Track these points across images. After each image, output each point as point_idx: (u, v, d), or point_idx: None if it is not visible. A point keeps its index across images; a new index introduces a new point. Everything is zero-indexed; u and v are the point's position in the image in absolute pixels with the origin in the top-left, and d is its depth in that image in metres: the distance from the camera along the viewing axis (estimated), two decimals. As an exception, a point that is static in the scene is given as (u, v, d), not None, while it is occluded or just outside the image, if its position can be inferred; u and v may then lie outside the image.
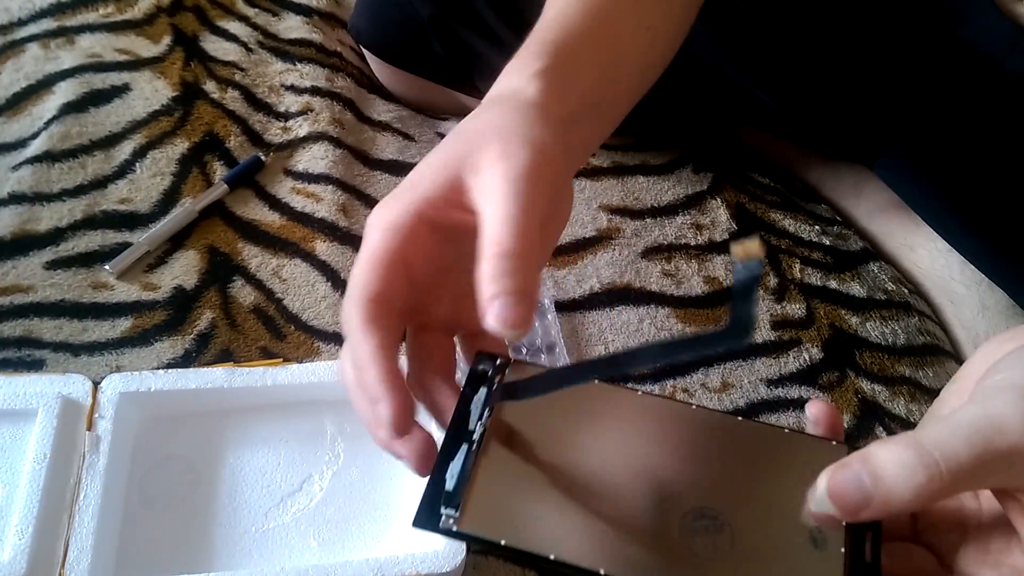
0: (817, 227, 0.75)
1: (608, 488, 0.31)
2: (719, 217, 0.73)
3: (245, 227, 0.65)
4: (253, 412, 0.52)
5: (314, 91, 0.75)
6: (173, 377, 0.50)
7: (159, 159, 0.68)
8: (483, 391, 0.33)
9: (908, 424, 0.63)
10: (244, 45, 0.79)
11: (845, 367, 0.64)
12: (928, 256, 0.72)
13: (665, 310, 0.65)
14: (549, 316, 0.63)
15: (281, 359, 0.55)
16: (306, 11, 0.83)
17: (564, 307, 0.65)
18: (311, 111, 0.73)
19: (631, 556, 0.29)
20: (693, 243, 0.71)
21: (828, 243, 0.74)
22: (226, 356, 0.57)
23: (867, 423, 0.62)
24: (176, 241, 0.63)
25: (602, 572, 0.28)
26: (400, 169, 0.72)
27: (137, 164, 0.68)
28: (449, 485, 0.30)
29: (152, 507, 0.49)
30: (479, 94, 0.76)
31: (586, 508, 0.30)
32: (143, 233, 0.63)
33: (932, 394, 0.66)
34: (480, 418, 0.32)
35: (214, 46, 0.78)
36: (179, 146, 0.69)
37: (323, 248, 0.64)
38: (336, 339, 0.60)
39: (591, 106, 0.41)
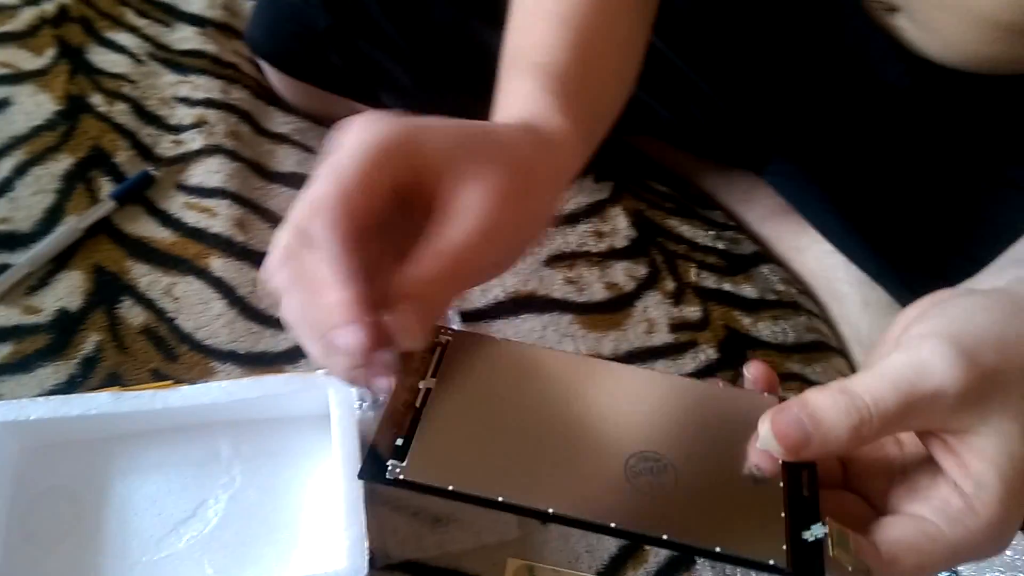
0: (712, 232, 0.77)
1: (552, 437, 0.32)
2: (619, 224, 0.75)
3: (134, 245, 0.63)
4: (142, 437, 0.50)
5: (208, 103, 0.73)
6: (54, 404, 0.48)
7: (41, 176, 0.65)
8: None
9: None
10: (133, 56, 0.76)
11: (739, 366, 0.66)
12: (814, 258, 0.75)
13: (568, 316, 0.66)
14: (454, 326, 0.63)
15: (172, 381, 0.53)
16: (199, 21, 0.81)
17: (470, 316, 0.65)
18: (205, 124, 0.71)
19: (578, 496, 0.30)
20: (594, 250, 0.72)
21: (722, 247, 0.76)
22: (114, 380, 0.55)
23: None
24: (60, 261, 0.61)
25: (550, 511, 0.29)
26: (300, 182, 0.71)
27: (17, 182, 0.65)
28: (395, 440, 0.31)
29: (35, 542, 0.47)
30: (380, 105, 0.76)
31: (532, 455, 0.31)
32: (24, 254, 0.60)
33: (822, 390, 0.69)
34: (423, 377, 0.33)
35: (101, 58, 0.75)
36: (63, 162, 0.66)
37: (218, 265, 0.63)
38: (233, 358, 0.58)
39: (591, 133, 0.43)
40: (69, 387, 0.54)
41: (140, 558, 0.47)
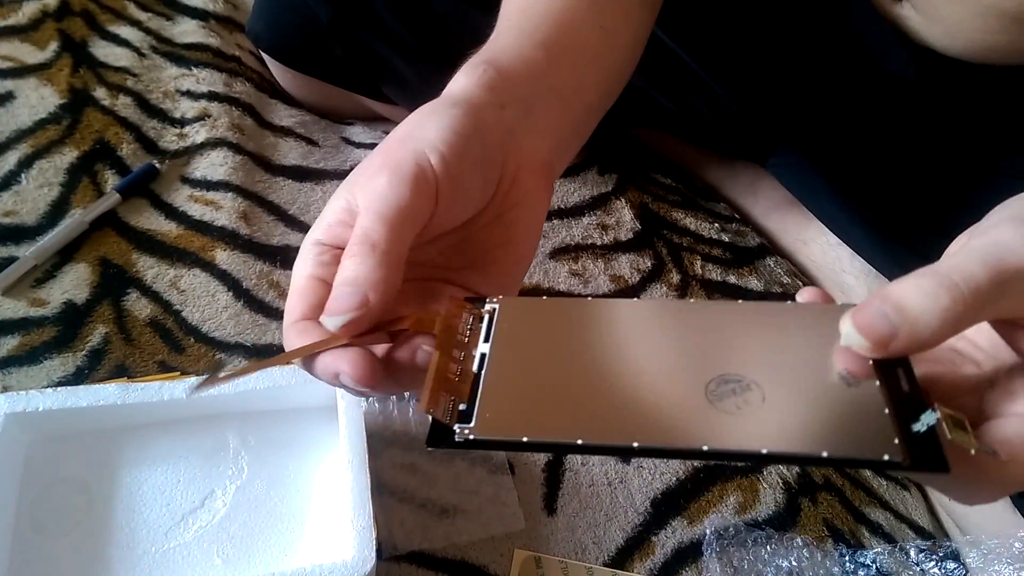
0: (717, 225, 0.77)
1: (620, 378, 0.29)
2: (623, 217, 0.75)
3: (140, 237, 0.63)
4: (150, 429, 0.50)
5: (211, 96, 0.73)
6: (63, 396, 0.48)
7: (46, 169, 0.65)
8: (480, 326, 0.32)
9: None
10: (136, 50, 0.76)
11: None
12: (820, 250, 0.75)
13: (572, 309, 0.66)
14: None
15: (179, 372, 0.53)
16: (202, 15, 0.81)
17: (473, 310, 0.65)
18: (208, 117, 0.71)
19: (660, 427, 0.27)
20: (599, 243, 0.72)
21: (727, 240, 0.76)
22: (121, 372, 0.55)
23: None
24: (65, 254, 0.61)
25: (635, 445, 0.27)
26: (303, 175, 0.71)
27: (23, 175, 0.64)
28: (456, 406, 0.29)
29: (44, 533, 0.47)
30: (382, 97, 0.76)
31: (604, 397, 0.29)
32: (30, 247, 0.60)
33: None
34: (476, 345, 0.32)
35: (104, 51, 0.75)
36: (68, 155, 0.66)
37: (223, 257, 0.63)
38: (239, 350, 0.58)
39: (546, 90, 0.42)
40: (77, 379, 0.54)
41: (149, 548, 0.47)
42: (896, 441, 0.26)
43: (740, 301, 0.33)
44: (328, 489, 0.50)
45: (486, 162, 0.36)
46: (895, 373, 0.28)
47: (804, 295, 0.33)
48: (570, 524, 0.55)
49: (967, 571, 0.57)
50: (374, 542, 0.45)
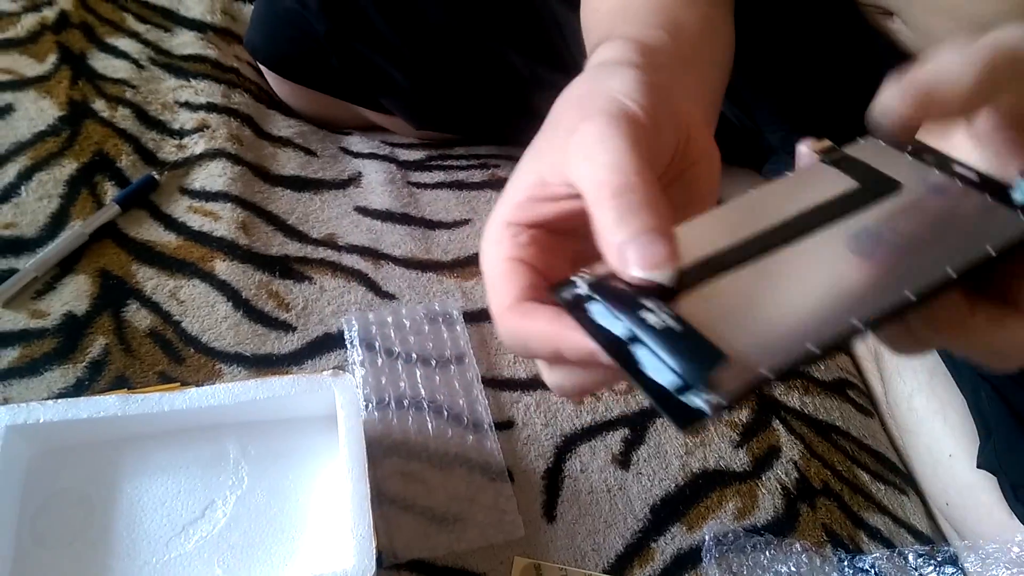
0: (714, 231, 0.77)
1: (784, 281, 0.28)
2: (620, 224, 0.75)
3: (139, 248, 0.63)
4: (150, 440, 0.51)
5: (210, 107, 0.73)
6: (63, 407, 0.48)
7: (46, 181, 0.66)
8: (614, 303, 0.27)
9: (803, 416, 0.66)
10: (135, 62, 0.77)
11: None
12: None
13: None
14: (458, 327, 0.64)
15: (179, 383, 0.54)
16: (200, 27, 0.82)
17: (473, 317, 0.65)
18: (207, 128, 0.72)
19: (848, 300, 0.27)
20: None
21: (724, 246, 0.76)
22: (121, 383, 0.55)
23: (764, 416, 0.64)
24: (65, 266, 0.61)
25: (855, 322, 0.26)
26: (302, 185, 0.71)
27: (23, 187, 0.65)
28: (680, 375, 0.24)
29: (45, 545, 0.47)
30: (380, 108, 0.76)
31: (814, 294, 0.27)
32: (30, 259, 0.60)
33: (824, 386, 0.69)
34: (650, 312, 0.26)
35: (103, 64, 0.76)
36: (67, 167, 0.67)
37: (223, 267, 0.63)
38: (239, 360, 0.58)
39: (681, 61, 0.40)
40: (77, 390, 0.55)
41: (149, 559, 0.47)
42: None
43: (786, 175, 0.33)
44: (328, 498, 0.51)
45: (672, 115, 0.33)
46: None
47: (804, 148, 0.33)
48: (569, 531, 0.55)
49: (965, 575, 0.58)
50: (374, 551, 0.45)
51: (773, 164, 0.78)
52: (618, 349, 0.26)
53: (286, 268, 0.64)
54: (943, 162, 0.32)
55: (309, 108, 0.78)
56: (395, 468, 0.55)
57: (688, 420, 0.24)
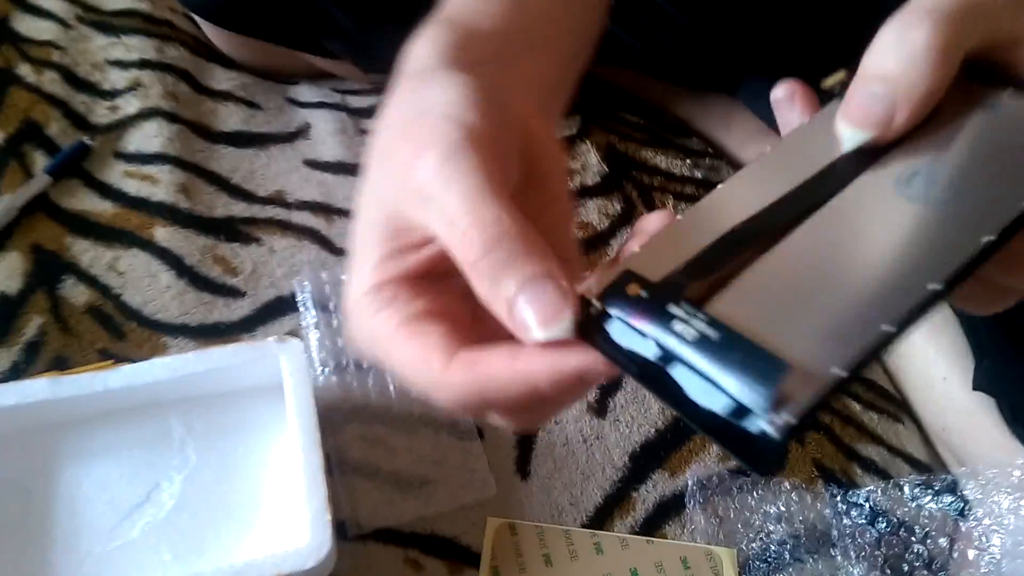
0: (689, 161, 0.73)
1: (878, 227, 0.24)
2: (589, 160, 0.71)
3: (73, 220, 0.59)
4: (87, 422, 0.48)
5: (143, 64, 0.69)
6: (-11, 395, 0.45)
7: (-31, 155, 0.61)
8: (636, 320, 0.23)
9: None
10: (61, 21, 0.72)
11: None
12: (799, 179, 0.71)
13: (539, 262, 0.63)
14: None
15: (112, 361, 0.50)
16: (129, -22, 0.76)
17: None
18: (140, 86, 0.67)
19: (927, 260, 0.23)
20: (564, 189, 0.68)
21: (701, 176, 0.72)
22: (61, 364, 0.52)
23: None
24: (-6, 244, 0.57)
25: (931, 287, 0.22)
26: (246, 140, 0.67)
27: (-55, 163, 0.61)
28: (734, 397, 0.20)
29: (-15, 539, 0.44)
30: (325, 52, 0.72)
31: (874, 260, 0.23)
32: (-45, 239, 0.57)
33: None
34: (681, 320, 0.22)
35: (26, 25, 0.71)
36: (-8, 138, 0.62)
37: (163, 234, 0.59)
38: (185, 332, 0.55)
39: (519, 43, 0.35)
40: (13, 375, 0.51)
41: (92, 549, 0.44)
42: None
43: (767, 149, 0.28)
44: (282, 472, 0.48)
45: (508, 119, 0.29)
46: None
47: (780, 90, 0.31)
48: (545, 486, 0.52)
49: (965, 503, 0.55)
50: (330, 525, 0.42)
51: (749, 86, 0.73)
52: (652, 375, 0.22)
53: (232, 230, 0.61)
54: (988, 80, 0.27)
55: (251, 58, 0.73)
56: (356, 434, 0.52)
57: (759, 455, 0.19)
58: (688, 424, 0.21)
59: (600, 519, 0.51)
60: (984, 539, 0.52)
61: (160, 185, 0.61)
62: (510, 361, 0.23)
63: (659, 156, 0.73)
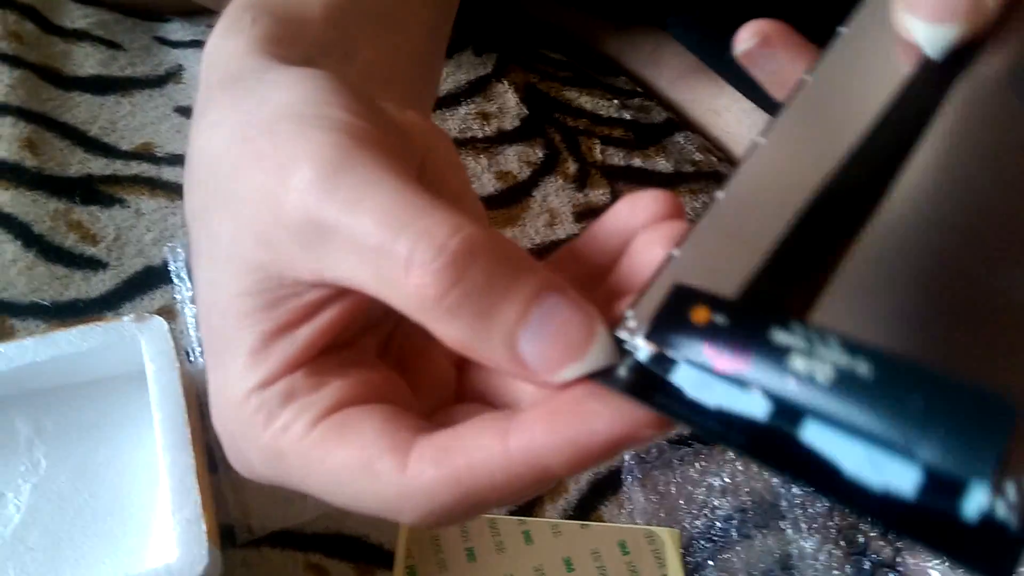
0: (616, 101, 0.67)
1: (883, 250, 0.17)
2: (507, 102, 0.64)
3: None
4: (-97, 429, 0.39)
5: (-22, -1, 0.58)
6: None
7: None
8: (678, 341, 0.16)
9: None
10: None
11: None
12: (735, 119, 0.66)
13: (454, 217, 0.56)
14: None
15: (-66, 352, 0.42)
16: (-39, -102, 0.65)
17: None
18: (-25, 25, 0.57)
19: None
20: (480, 135, 0.61)
21: (629, 117, 0.66)
22: None
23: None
24: None
25: None
26: (106, 86, 0.58)
27: None
28: (932, 466, 0.13)
29: None
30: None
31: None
32: None
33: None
34: (801, 354, 0.15)
35: None
36: None
37: (6, 198, 0.50)
38: (36, 312, 0.47)
39: (357, 25, 0.28)
40: None
41: (-86, 582, 0.36)
42: None
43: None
44: (149, 477, 0.40)
45: (381, 117, 0.22)
46: None
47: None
48: (466, 471, 0.46)
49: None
50: (205, 536, 0.35)
51: (679, 18, 0.67)
52: (767, 444, 0.14)
53: (89, 191, 0.52)
54: None
55: (113, -9, 0.64)
56: (245, 422, 0.45)
57: (984, 555, 0.12)
58: (847, 509, 0.14)
59: (529, 504, 0.46)
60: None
61: (1, 141, 0.52)
62: (500, 439, 0.17)
63: (584, 97, 0.67)
